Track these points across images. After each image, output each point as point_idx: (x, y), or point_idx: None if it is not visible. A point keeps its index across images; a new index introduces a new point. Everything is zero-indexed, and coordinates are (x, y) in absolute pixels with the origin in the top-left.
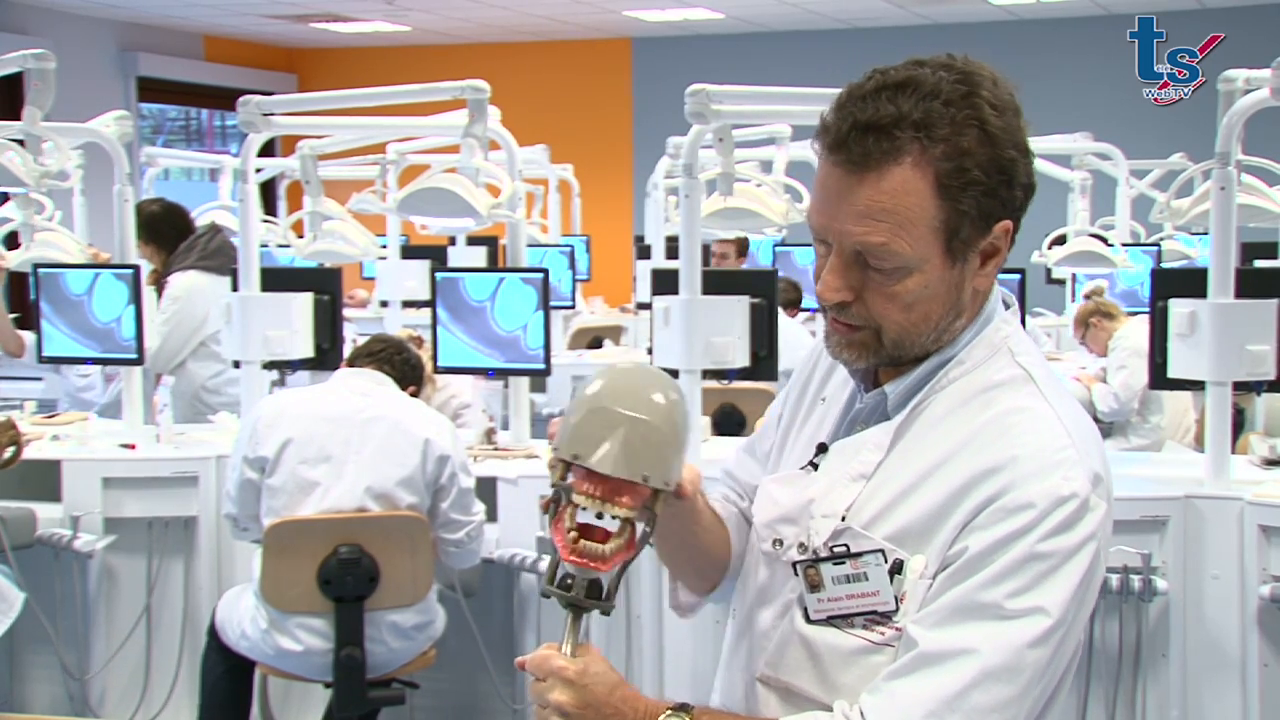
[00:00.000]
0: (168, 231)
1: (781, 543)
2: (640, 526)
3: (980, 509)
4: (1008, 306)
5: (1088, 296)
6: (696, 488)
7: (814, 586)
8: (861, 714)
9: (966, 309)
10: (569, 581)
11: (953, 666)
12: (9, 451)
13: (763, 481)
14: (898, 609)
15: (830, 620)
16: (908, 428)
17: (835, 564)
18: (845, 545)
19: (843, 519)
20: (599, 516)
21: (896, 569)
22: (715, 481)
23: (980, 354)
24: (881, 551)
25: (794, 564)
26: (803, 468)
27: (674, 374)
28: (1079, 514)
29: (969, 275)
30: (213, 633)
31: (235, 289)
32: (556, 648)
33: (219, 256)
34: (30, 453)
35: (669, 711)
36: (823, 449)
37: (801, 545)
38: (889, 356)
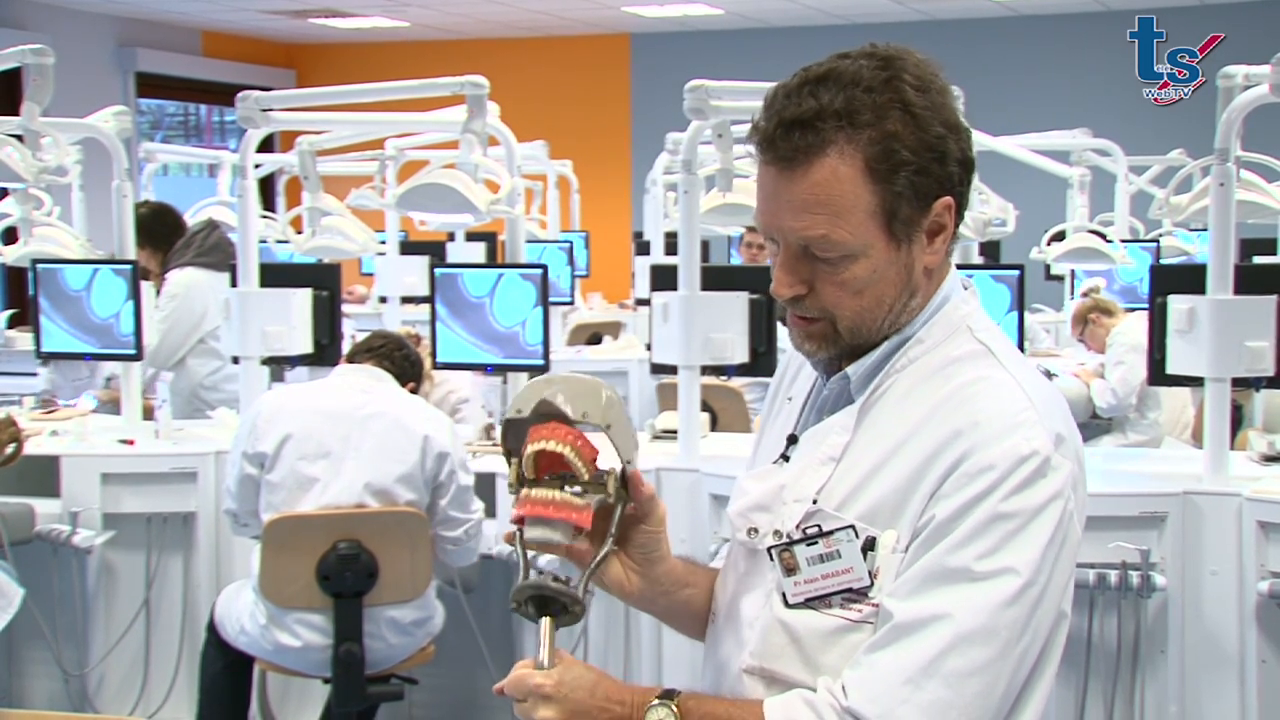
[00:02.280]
0: (159, 231)
1: (756, 530)
2: (595, 499)
3: (945, 477)
4: (965, 289)
5: (1085, 294)
6: (655, 497)
7: (790, 570)
8: (844, 689)
9: (920, 288)
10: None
11: (928, 633)
12: (9, 449)
13: (739, 477)
14: (872, 584)
15: (808, 602)
16: (871, 407)
17: (809, 545)
18: (817, 526)
19: (814, 501)
20: (543, 471)
21: (869, 546)
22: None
23: (939, 332)
24: (852, 527)
25: (769, 549)
26: (775, 461)
27: (672, 370)
28: (1041, 471)
29: (917, 255)
30: (212, 628)
31: (234, 285)
32: (531, 664)
33: (216, 253)
34: (29, 448)
35: (656, 701)
36: (793, 440)
37: (776, 531)
38: (848, 345)
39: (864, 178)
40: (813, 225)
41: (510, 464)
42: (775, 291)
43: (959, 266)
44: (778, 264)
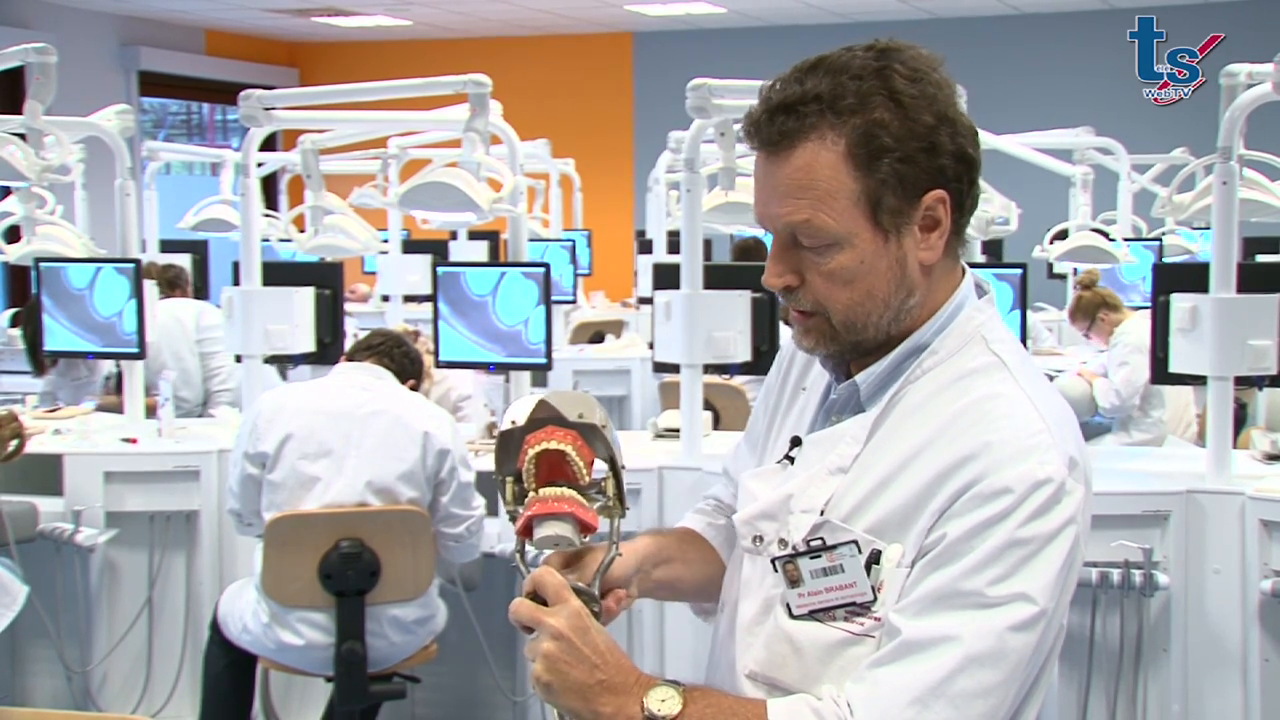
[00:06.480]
0: None
1: (761, 539)
2: (597, 504)
3: (957, 496)
4: (984, 293)
5: (1085, 285)
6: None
7: (794, 582)
8: (849, 705)
9: (918, 286)
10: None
11: (936, 654)
12: (12, 444)
13: (742, 477)
14: (875, 599)
15: (812, 614)
16: (884, 419)
17: (812, 558)
18: (821, 539)
19: (821, 513)
20: (548, 477)
21: (874, 559)
22: (716, 476)
23: (953, 343)
24: (855, 542)
25: (773, 560)
26: (779, 461)
27: (675, 369)
28: (1056, 498)
29: (909, 249)
30: (215, 627)
31: (236, 284)
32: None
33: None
34: (32, 447)
35: (663, 682)
36: (796, 442)
37: (781, 541)
38: (848, 341)
39: (846, 164)
40: (795, 210)
41: (506, 485)
42: (766, 281)
43: None
44: (770, 254)
